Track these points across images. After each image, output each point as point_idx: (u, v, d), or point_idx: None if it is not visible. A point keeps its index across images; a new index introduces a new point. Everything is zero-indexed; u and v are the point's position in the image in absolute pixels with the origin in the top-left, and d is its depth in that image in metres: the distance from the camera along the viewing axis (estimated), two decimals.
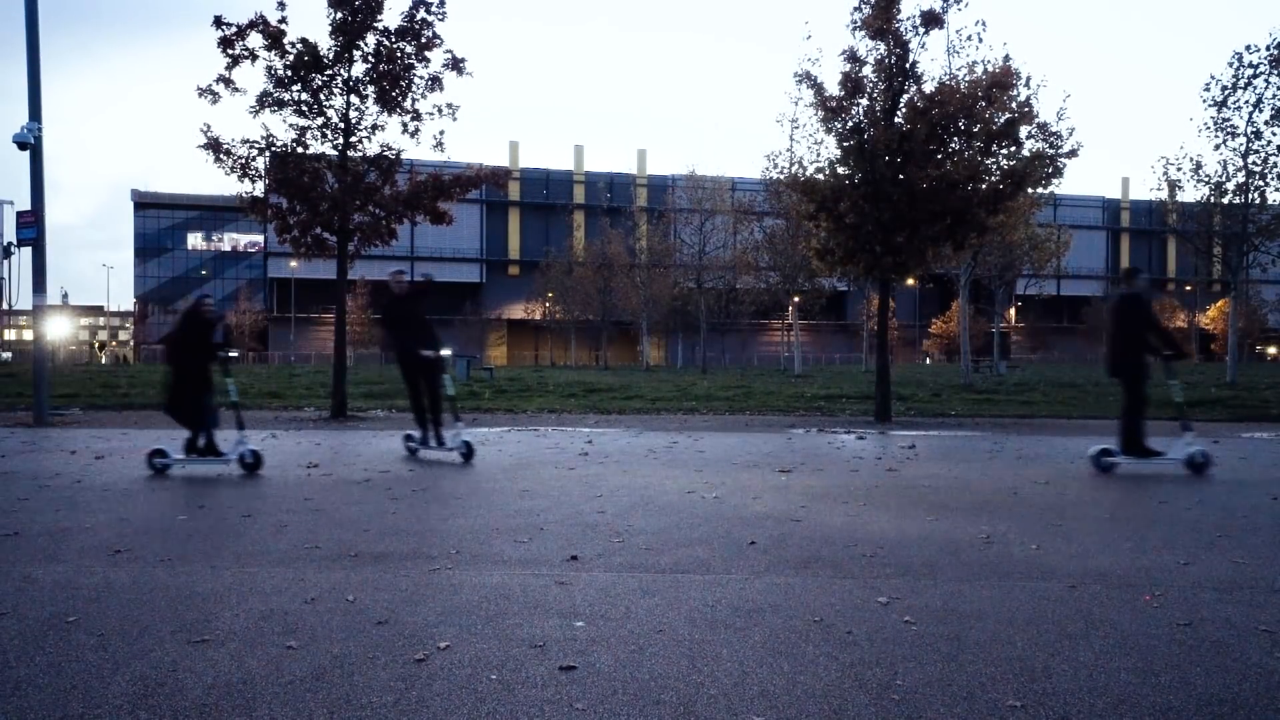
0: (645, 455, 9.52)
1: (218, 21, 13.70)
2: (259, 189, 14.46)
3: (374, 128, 14.51)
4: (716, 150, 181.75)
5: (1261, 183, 26.29)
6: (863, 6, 14.14)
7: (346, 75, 14.30)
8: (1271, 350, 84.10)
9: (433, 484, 7.42)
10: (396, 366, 9.49)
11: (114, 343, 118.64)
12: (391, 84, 14.28)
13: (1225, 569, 4.56)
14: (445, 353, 9.34)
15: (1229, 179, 26.44)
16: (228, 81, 13.82)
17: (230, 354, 8.53)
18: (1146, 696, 2.87)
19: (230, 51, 13.74)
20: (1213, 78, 26.34)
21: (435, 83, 14.47)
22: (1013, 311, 76.52)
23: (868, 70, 14.21)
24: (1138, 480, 7.78)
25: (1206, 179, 26.51)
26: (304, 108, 14.23)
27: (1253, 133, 26.02)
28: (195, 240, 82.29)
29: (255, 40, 13.82)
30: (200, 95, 13.81)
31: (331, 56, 14.13)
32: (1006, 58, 13.83)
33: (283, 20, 13.84)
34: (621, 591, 4.10)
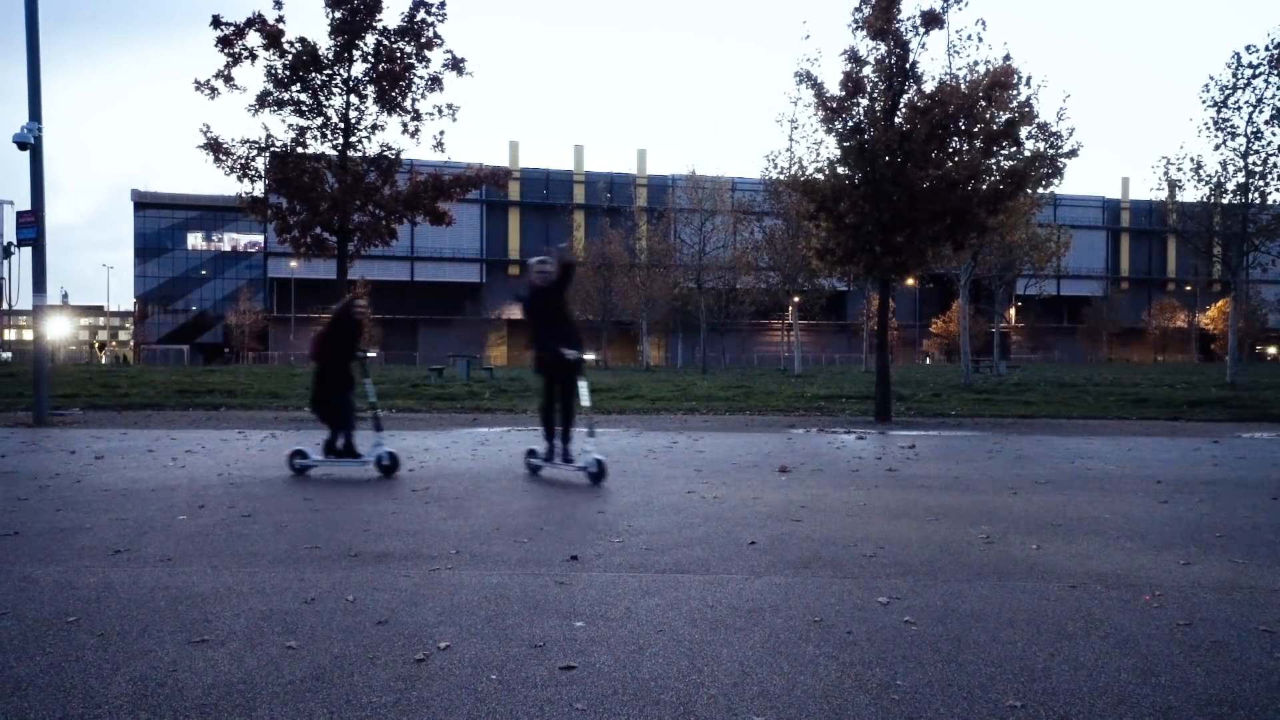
0: (645, 455, 9.52)
1: (216, 21, 13.72)
2: (259, 189, 14.48)
3: (374, 128, 14.55)
4: (716, 150, 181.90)
5: (1261, 183, 26.28)
6: (863, 6, 14.15)
7: (346, 75, 14.33)
8: (1271, 350, 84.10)
9: (433, 484, 7.42)
10: (538, 369, 8.09)
11: (114, 343, 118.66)
12: (391, 84, 14.30)
13: (1225, 569, 4.56)
14: (588, 356, 8.31)
15: (1229, 179, 26.43)
16: (226, 78, 13.85)
17: (368, 354, 8.39)
18: (1146, 696, 2.87)
19: (229, 51, 13.76)
20: (1212, 78, 26.33)
21: (435, 83, 14.50)
22: (1013, 311, 76.52)
23: (868, 70, 14.21)
24: (1137, 481, 7.78)
25: (1206, 179, 26.49)
26: (303, 107, 14.25)
27: (1253, 133, 26.02)
28: (195, 240, 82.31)
29: (254, 39, 13.85)
30: (198, 89, 13.82)
31: (331, 56, 14.15)
32: (1007, 57, 13.84)
33: (280, 20, 13.86)
34: (621, 591, 4.10)
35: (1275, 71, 25.37)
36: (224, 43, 13.71)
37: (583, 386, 7.79)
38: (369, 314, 8.70)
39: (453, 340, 71.27)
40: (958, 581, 4.29)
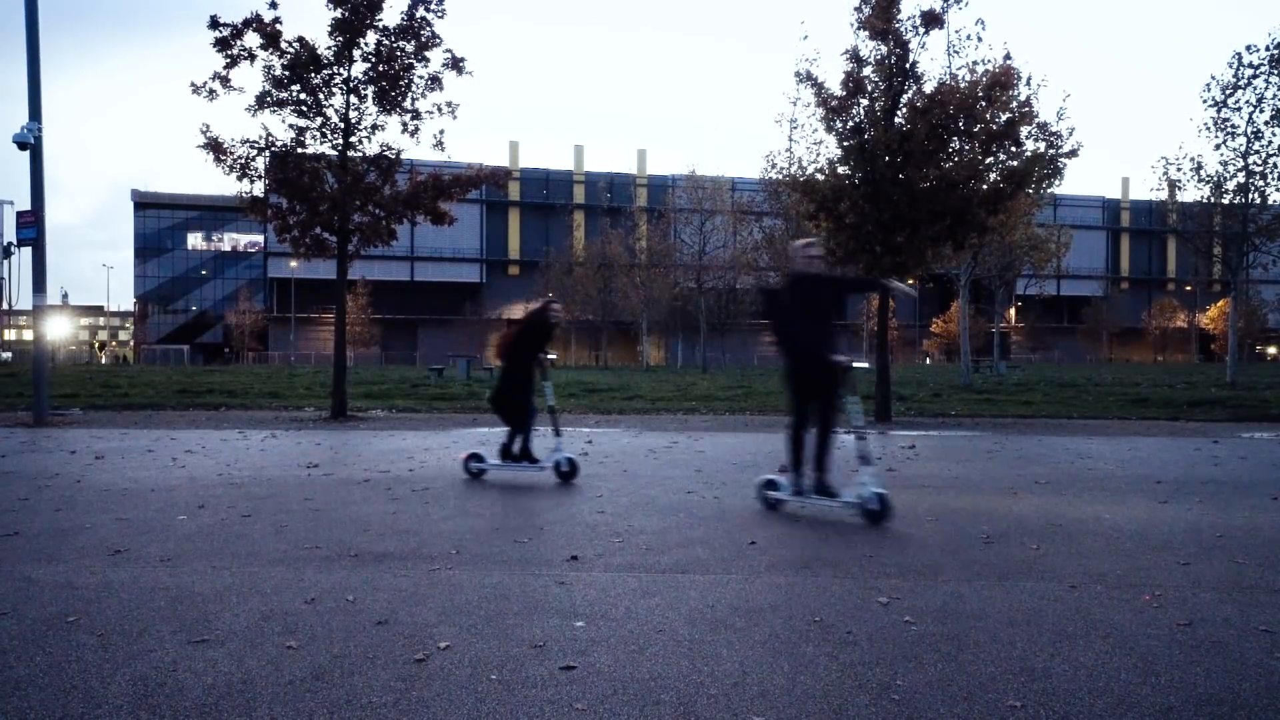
0: (645, 455, 9.52)
1: (214, 22, 13.70)
2: (258, 189, 14.47)
3: (374, 127, 14.52)
4: (716, 150, 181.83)
5: (1261, 183, 26.28)
6: (863, 6, 14.15)
7: (346, 74, 14.31)
8: (1271, 350, 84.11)
9: (433, 484, 7.42)
10: (787, 376, 6.46)
11: (114, 343, 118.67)
12: (391, 84, 14.28)
13: (1225, 569, 4.56)
14: (860, 364, 6.32)
15: (1229, 179, 26.45)
16: (224, 80, 13.82)
17: (550, 357, 8.19)
18: (1146, 696, 2.87)
19: (228, 52, 13.75)
20: (1213, 78, 26.35)
21: (435, 82, 14.47)
22: (1013, 311, 76.55)
23: (869, 70, 14.21)
24: (1137, 481, 7.77)
25: (1207, 179, 26.51)
26: (303, 107, 14.23)
27: (1253, 133, 26.03)
28: (195, 240, 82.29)
29: (252, 40, 13.83)
30: (195, 92, 13.80)
31: (331, 55, 14.14)
32: (1007, 57, 13.84)
33: (277, 20, 13.84)
34: (621, 591, 4.10)
35: (1276, 71, 25.37)
36: (222, 44, 13.70)
37: (853, 405, 6.12)
38: (563, 318, 8.51)
39: (453, 340, 71.27)
40: (958, 581, 4.29)
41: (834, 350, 6.11)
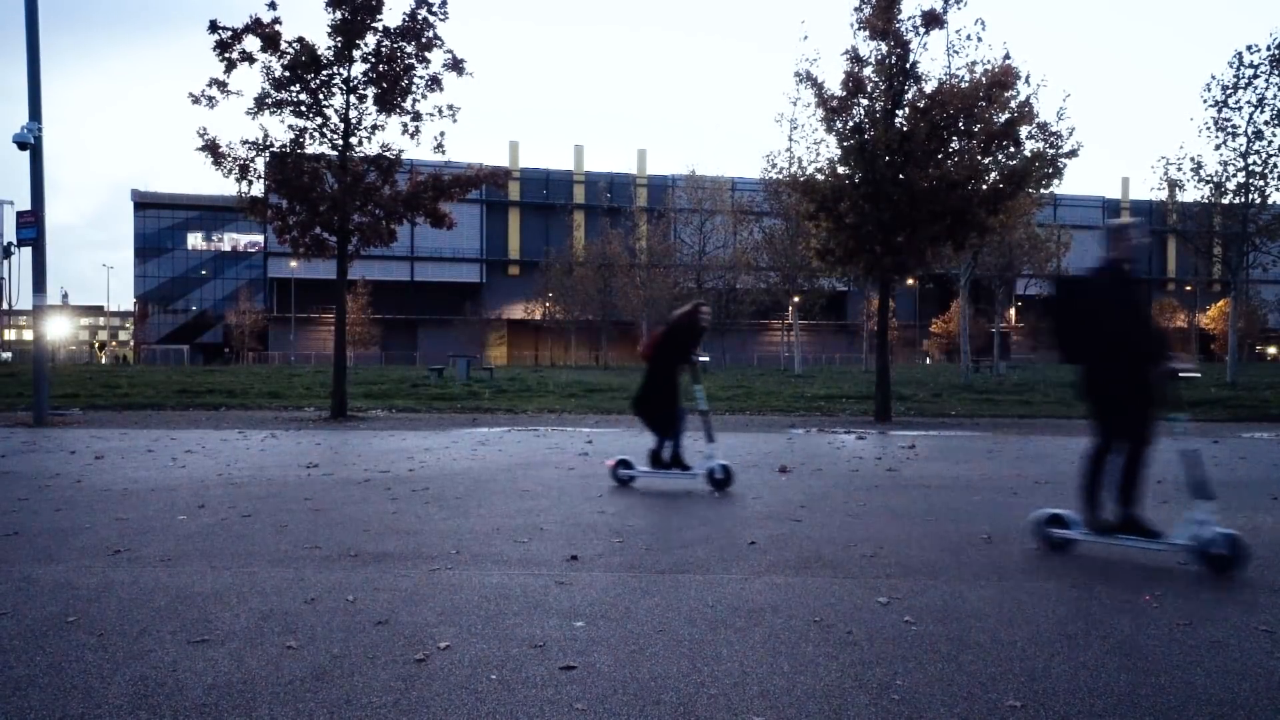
0: (645, 455, 9.50)
1: (214, 26, 13.70)
2: (258, 190, 14.46)
3: (374, 128, 14.52)
4: (716, 150, 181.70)
5: (1261, 183, 26.29)
6: (864, 6, 14.16)
7: (346, 75, 14.30)
8: (1271, 350, 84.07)
9: (433, 484, 7.42)
10: (1095, 386, 5.08)
11: (114, 343, 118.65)
12: (391, 84, 14.27)
13: None
14: (1191, 372, 5.14)
15: (1229, 179, 26.45)
16: (222, 85, 13.81)
17: (701, 358, 7.94)
18: (1146, 696, 2.87)
19: (227, 55, 13.74)
20: (1213, 77, 26.38)
21: (435, 83, 14.47)
22: (1013, 311, 76.51)
23: (869, 70, 14.22)
24: None
25: (1207, 179, 26.51)
26: (303, 108, 14.22)
27: (1253, 133, 26.03)
28: (195, 240, 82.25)
29: (252, 44, 13.82)
30: (195, 102, 13.81)
31: (331, 56, 14.13)
32: (1006, 56, 13.85)
33: (276, 20, 13.83)
34: (621, 591, 4.10)
35: (1276, 71, 25.39)
36: (221, 47, 13.69)
37: (1178, 421, 4.90)
38: (710, 320, 8.28)
39: (453, 340, 71.21)
40: (958, 581, 4.29)
41: (1163, 355, 4.94)
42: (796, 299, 45.19)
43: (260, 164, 14.31)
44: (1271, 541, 5.25)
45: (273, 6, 13.89)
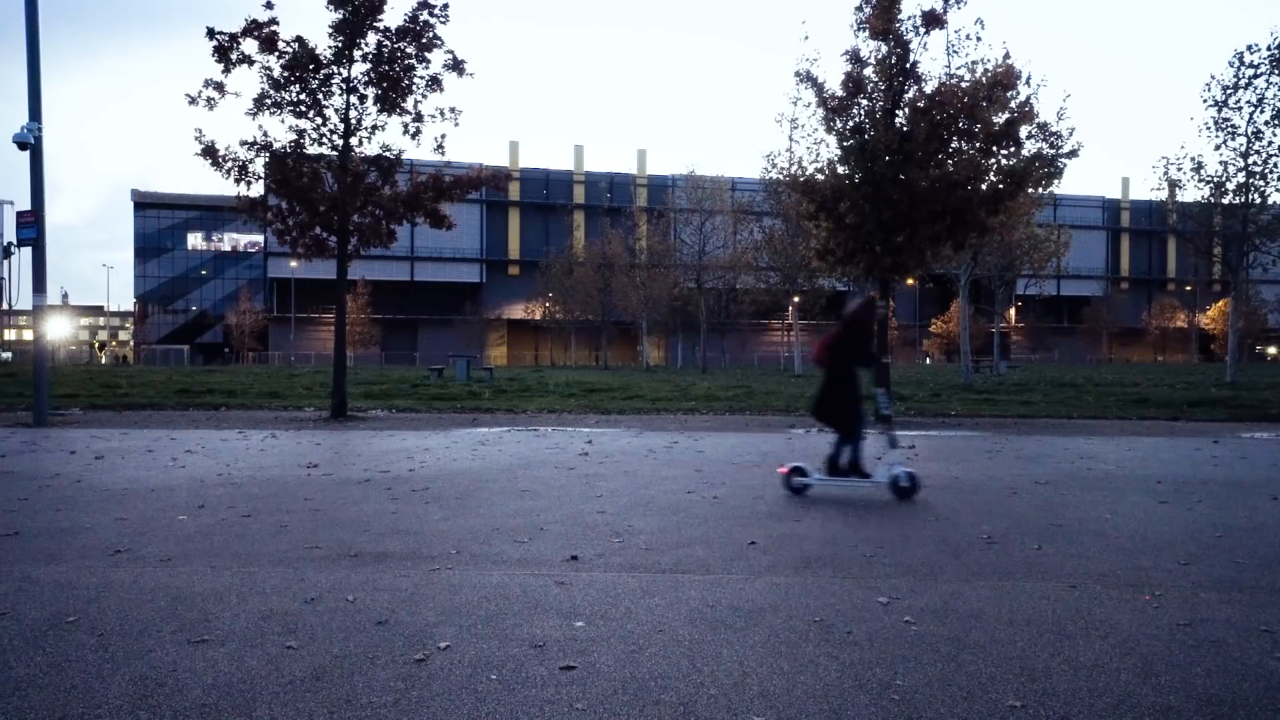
0: (645, 455, 9.52)
1: (211, 32, 13.69)
2: (257, 190, 14.46)
3: (374, 128, 14.51)
4: (716, 150, 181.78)
5: (1261, 183, 26.29)
6: (864, 6, 14.17)
7: (346, 75, 14.29)
8: (1271, 350, 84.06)
9: (433, 484, 7.42)
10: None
11: (114, 343, 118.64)
12: (392, 85, 14.27)
13: (1225, 569, 4.56)
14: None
15: (1229, 179, 26.45)
16: (219, 86, 13.80)
17: (885, 359, 7.66)
18: (1146, 696, 2.87)
19: (226, 58, 13.74)
20: (1213, 77, 26.36)
21: (435, 83, 14.46)
22: (1013, 311, 76.51)
23: (869, 70, 14.23)
24: (1137, 481, 7.78)
25: (1207, 179, 26.50)
26: (302, 108, 14.22)
27: (1253, 133, 26.03)
28: (195, 240, 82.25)
29: (250, 46, 13.81)
30: (192, 103, 13.81)
31: (331, 55, 14.13)
32: (1006, 56, 13.86)
33: (273, 21, 13.83)
34: (621, 591, 4.10)
35: (1276, 71, 25.38)
36: (220, 51, 13.69)
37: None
38: (885, 312, 7.94)
39: (453, 340, 71.22)
40: (958, 581, 4.29)
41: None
42: (796, 299, 45.18)
43: (260, 165, 14.30)
44: (1272, 541, 5.25)
45: (269, 6, 13.88)
